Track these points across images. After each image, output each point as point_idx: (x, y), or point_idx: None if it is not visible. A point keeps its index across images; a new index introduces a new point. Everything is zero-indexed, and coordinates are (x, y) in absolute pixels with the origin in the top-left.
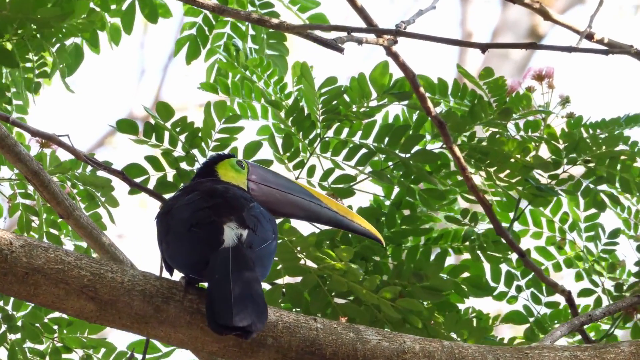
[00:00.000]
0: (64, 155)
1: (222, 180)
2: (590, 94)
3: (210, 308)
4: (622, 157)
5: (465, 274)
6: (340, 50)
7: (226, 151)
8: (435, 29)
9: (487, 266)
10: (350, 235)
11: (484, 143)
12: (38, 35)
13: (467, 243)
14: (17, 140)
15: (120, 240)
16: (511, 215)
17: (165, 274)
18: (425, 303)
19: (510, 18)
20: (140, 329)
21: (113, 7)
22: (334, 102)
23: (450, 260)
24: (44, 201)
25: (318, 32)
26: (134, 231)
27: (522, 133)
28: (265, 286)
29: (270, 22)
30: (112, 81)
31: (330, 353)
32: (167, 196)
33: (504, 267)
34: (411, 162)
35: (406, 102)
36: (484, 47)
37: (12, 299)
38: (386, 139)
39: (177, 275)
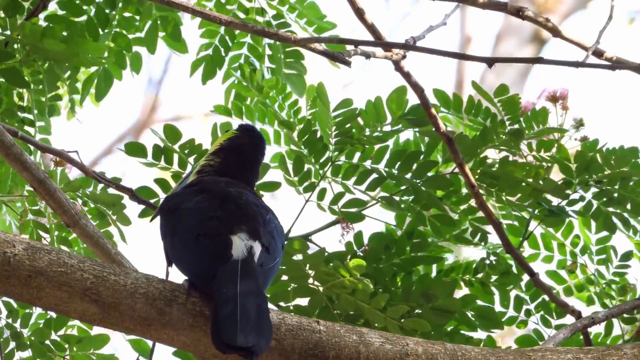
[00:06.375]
0: (73, 173)
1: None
2: (602, 110)
3: (215, 325)
4: (634, 178)
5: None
6: (348, 63)
7: None
8: (434, 34)
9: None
10: (362, 256)
11: (495, 167)
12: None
13: (478, 276)
14: (23, 149)
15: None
16: (521, 237)
17: (169, 277)
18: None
19: (514, 22)
20: (143, 331)
21: (135, 35)
22: (348, 125)
23: (460, 292)
24: (55, 217)
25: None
26: (139, 240)
27: (534, 153)
28: (271, 306)
29: (277, 35)
30: (120, 88)
31: (333, 356)
32: None
33: (512, 292)
34: (423, 188)
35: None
36: (490, 62)
37: (19, 316)
38: (398, 164)
39: (179, 275)
